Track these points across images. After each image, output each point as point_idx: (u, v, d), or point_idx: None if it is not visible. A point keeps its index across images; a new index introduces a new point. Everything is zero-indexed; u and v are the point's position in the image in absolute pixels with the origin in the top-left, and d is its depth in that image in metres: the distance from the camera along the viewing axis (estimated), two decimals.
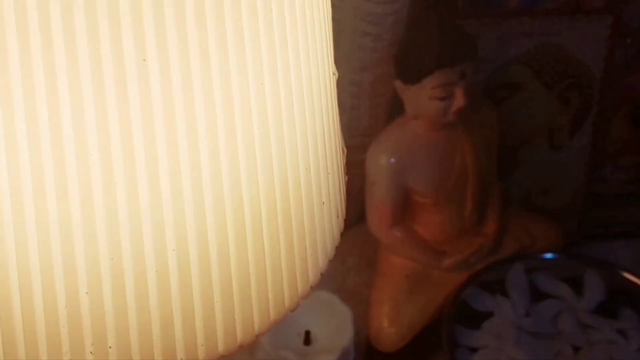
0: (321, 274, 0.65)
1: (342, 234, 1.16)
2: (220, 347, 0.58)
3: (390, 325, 1.06)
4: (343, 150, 0.71)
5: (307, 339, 1.00)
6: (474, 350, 1.05)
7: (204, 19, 0.51)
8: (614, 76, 1.14)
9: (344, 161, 0.71)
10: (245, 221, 0.57)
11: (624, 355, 1.05)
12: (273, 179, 0.58)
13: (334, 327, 1.01)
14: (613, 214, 1.24)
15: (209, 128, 0.53)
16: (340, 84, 1.02)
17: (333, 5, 0.97)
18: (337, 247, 1.15)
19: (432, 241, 1.09)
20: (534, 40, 1.09)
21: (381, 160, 1.03)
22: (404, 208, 1.07)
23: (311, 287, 0.65)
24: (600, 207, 1.24)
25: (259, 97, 0.55)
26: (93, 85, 0.49)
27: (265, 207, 0.58)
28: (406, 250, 1.08)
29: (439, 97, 0.98)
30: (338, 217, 0.66)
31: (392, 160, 1.03)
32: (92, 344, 0.53)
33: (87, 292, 0.53)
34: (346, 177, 0.71)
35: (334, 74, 0.64)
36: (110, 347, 0.54)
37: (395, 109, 1.06)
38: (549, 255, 1.11)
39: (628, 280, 1.09)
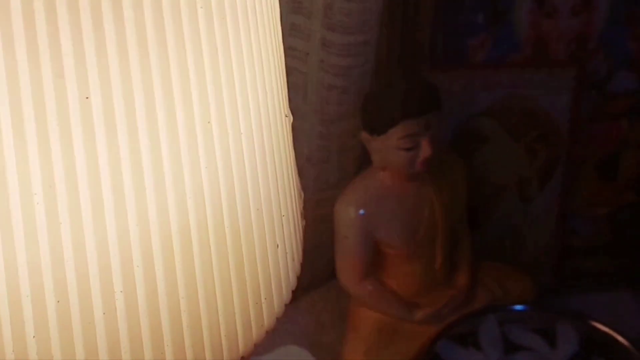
0: (277, 318, 0.65)
1: (316, 290, 1.17)
2: None
3: None
4: (300, 195, 0.71)
5: None
6: None
7: (147, 56, 0.51)
8: (581, 128, 1.15)
9: (301, 206, 0.71)
10: (194, 264, 0.57)
11: None
12: (223, 220, 0.58)
13: None
14: (586, 265, 1.24)
15: (154, 168, 0.53)
16: (309, 137, 1.03)
17: (299, 59, 0.99)
18: (312, 302, 1.15)
19: (403, 294, 1.08)
20: (499, 93, 1.10)
21: (349, 213, 1.03)
22: (374, 260, 1.06)
23: (267, 331, 0.64)
24: (573, 259, 1.24)
25: (205, 136, 0.55)
26: (36, 124, 0.49)
27: (215, 249, 0.58)
28: (377, 303, 1.07)
29: (405, 147, 0.98)
30: (294, 260, 0.66)
31: (361, 212, 1.03)
32: None
33: (34, 336, 0.53)
34: (303, 221, 0.71)
35: (286, 116, 0.64)
36: None
37: (365, 162, 1.07)
38: (521, 307, 1.10)
39: (600, 330, 1.09)
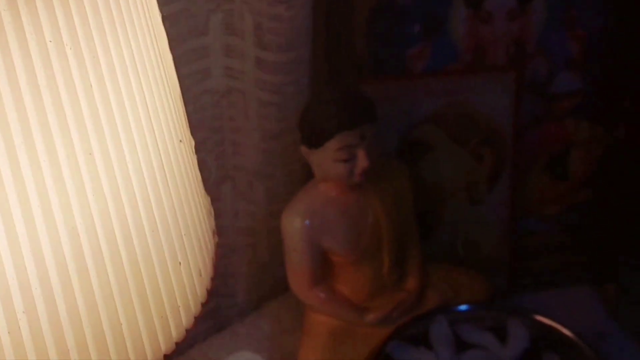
0: (186, 330, 0.69)
1: (277, 297, 1.20)
2: None
3: None
4: (210, 212, 0.75)
5: None
6: None
7: (20, 93, 0.55)
8: (525, 130, 1.18)
9: (212, 223, 0.75)
10: (92, 285, 0.61)
11: None
12: (116, 242, 0.61)
13: None
14: (541, 264, 1.27)
15: (41, 199, 0.57)
16: (253, 153, 1.07)
17: (236, 78, 1.03)
18: (274, 308, 1.18)
19: (354, 298, 1.12)
20: (441, 100, 1.13)
21: (295, 224, 1.07)
22: (323, 268, 1.10)
23: (176, 343, 0.68)
24: (528, 258, 1.27)
25: (89, 166, 0.59)
26: None
27: (112, 269, 0.62)
28: (328, 309, 1.11)
29: (342, 159, 1.02)
30: (201, 275, 0.70)
31: (306, 222, 1.06)
32: None
33: None
34: (215, 237, 0.75)
35: (180, 141, 0.68)
36: None
37: (311, 173, 1.10)
38: (470, 307, 1.13)
39: (549, 326, 1.12)
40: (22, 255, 0.57)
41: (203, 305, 0.71)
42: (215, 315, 1.25)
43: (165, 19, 0.96)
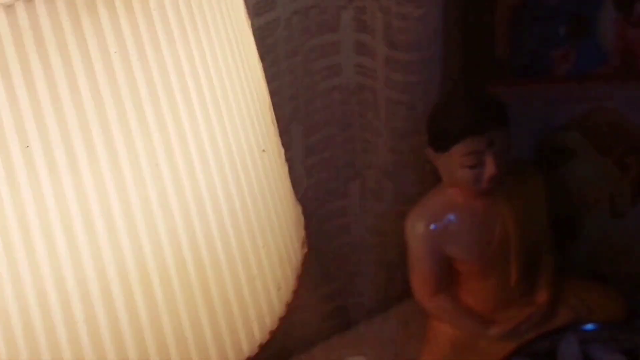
0: (260, 345, 0.67)
1: (408, 299, 1.17)
2: None
3: None
4: (300, 222, 0.73)
5: None
6: None
7: (82, 104, 0.54)
8: None
9: (300, 232, 0.72)
10: (157, 301, 0.60)
11: None
12: (183, 255, 0.60)
13: None
14: None
15: (103, 211, 0.56)
16: (383, 151, 1.04)
17: (367, 76, 1.00)
18: (403, 312, 1.16)
19: (479, 310, 1.08)
20: (584, 106, 1.08)
21: (419, 228, 1.04)
22: (447, 275, 1.06)
23: (248, 357, 0.66)
24: None
25: (155, 179, 0.57)
26: None
27: (178, 282, 0.60)
28: (450, 318, 1.07)
29: (468, 165, 0.98)
30: (279, 289, 0.68)
31: (430, 227, 1.03)
32: None
33: None
34: (305, 248, 0.73)
35: (263, 150, 0.66)
36: None
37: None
38: (602, 326, 1.08)
39: None
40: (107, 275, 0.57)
41: (281, 319, 0.69)
42: (341, 314, 1.23)
43: (294, 14, 0.95)
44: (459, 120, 0.97)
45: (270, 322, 0.68)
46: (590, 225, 1.15)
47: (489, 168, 0.98)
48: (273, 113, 0.70)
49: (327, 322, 1.23)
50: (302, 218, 0.74)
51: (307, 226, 1.10)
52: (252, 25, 0.88)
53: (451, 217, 1.03)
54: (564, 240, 1.15)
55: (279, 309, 0.68)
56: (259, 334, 0.67)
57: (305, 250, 0.73)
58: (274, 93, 0.97)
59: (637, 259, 1.16)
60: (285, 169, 0.71)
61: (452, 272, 1.07)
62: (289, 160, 1.03)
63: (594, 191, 1.13)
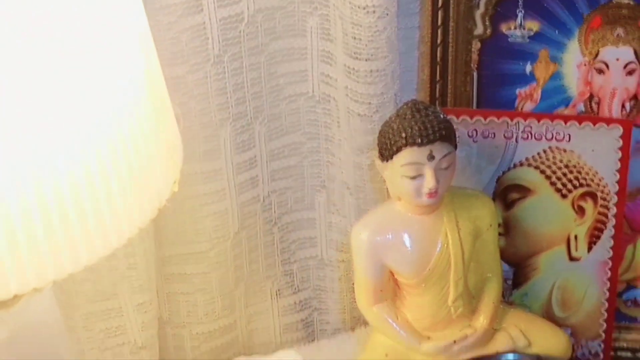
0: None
1: (360, 322, 1.21)
2: None
3: None
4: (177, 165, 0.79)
5: None
6: None
7: None
8: (638, 193, 1.13)
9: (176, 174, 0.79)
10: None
11: None
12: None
13: None
14: None
15: None
16: (346, 165, 1.10)
17: (331, 85, 1.06)
18: None
19: (417, 325, 1.11)
20: (544, 145, 1.11)
21: (361, 237, 1.08)
22: (388, 287, 1.10)
23: None
24: (630, 330, 1.20)
25: None
26: None
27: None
28: (387, 329, 1.11)
29: (408, 175, 1.02)
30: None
31: (371, 237, 1.07)
32: None
33: None
34: (176, 188, 0.79)
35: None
36: None
37: None
38: (539, 359, 1.09)
39: None
40: None
41: None
42: (305, 327, 1.28)
43: (258, 12, 1.02)
44: (403, 130, 1.02)
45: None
46: (547, 265, 1.17)
47: (428, 180, 1.02)
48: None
49: (290, 334, 1.27)
50: (179, 162, 0.80)
51: (272, 231, 1.16)
52: (215, 16, 0.96)
53: (395, 230, 1.07)
54: (521, 275, 1.17)
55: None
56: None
57: (176, 189, 0.79)
58: (236, 88, 1.05)
59: (589, 306, 1.17)
60: (166, 118, 0.77)
61: (394, 285, 1.10)
62: (253, 159, 1.10)
63: (551, 231, 1.15)
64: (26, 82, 0.66)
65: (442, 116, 1.04)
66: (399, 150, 1.02)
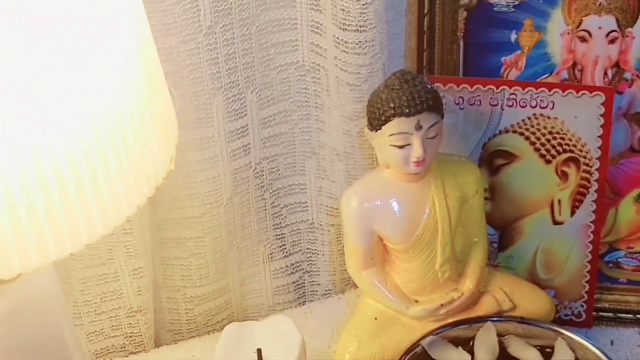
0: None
1: (350, 284, 1.24)
2: None
3: None
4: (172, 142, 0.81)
5: (260, 356, 1.08)
6: None
7: None
8: (619, 157, 1.16)
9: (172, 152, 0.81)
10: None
11: None
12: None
13: (286, 350, 1.08)
14: (625, 300, 1.24)
15: None
16: (335, 132, 1.13)
17: (321, 55, 1.09)
18: None
19: (405, 289, 1.14)
20: (529, 112, 1.14)
21: (351, 204, 1.11)
22: (377, 252, 1.13)
23: None
24: (612, 291, 1.24)
25: None
26: None
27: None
28: (376, 294, 1.14)
29: (397, 145, 1.05)
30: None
31: (361, 204, 1.10)
32: None
33: None
34: (172, 166, 0.81)
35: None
36: None
37: None
38: (523, 321, 1.13)
39: (597, 356, 1.09)
40: None
41: None
42: (297, 290, 1.31)
43: None
44: (391, 101, 1.04)
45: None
46: (531, 228, 1.20)
47: (416, 149, 1.05)
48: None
49: (281, 296, 1.30)
50: (175, 140, 0.82)
51: (263, 197, 1.19)
52: None
53: (383, 197, 1.10)
54: (507, 238, 1.20)
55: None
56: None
57: (172, 167, 0.82)
58: (228, 58, 1.07)
59: (573, 267, 1.21)
60: (162, 96, 0.80)
61: (383, 250, 1.14)
62: (244, 128, 1.13)
63: (535, 195, 1.18)
64: (23, 61, 0.67)
65: (429, 86, 1.06)
66: (387, 120, 1.05)
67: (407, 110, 1.04)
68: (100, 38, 0.72)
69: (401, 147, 1.05)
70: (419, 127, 1.05)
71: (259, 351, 1.08)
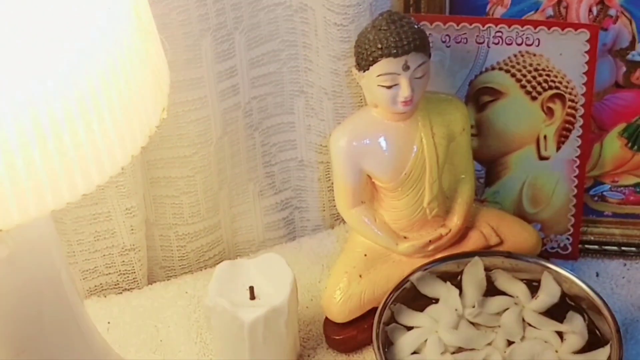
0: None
1: (339, 220, 1.26)
2: None
3: (339, 297, 1.15)
4: (164, 92, 0.82)
5: (252, 293, 1.10)
6: (409, 328, 1.11)
7: None
8: (604, 93, 1.18)
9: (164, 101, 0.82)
10: None
11: (552, 355, 1.08)
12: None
13: (277, 287, 1.10)
14: (610, 232, 1.26)
15: None
16: (323, 71, 1.14)
17: None
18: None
19: (394, 226, 1.16)
20: (514, 49, 1.15)
21: (340, 142, 1.12)
22: (366, 190, 1.15)
23: None
24: (597, 224, 1.26)
25: None
26: None
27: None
28: (365, 230, 1.16)
29: (385, 85, 1.07)
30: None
31: (349, 143, 1.12)
32: None
33: None
34: (165, 115, 0.82)
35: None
36: None
37: None
38: (509, 255, 1.15)
39: (582, 289, 1.11)
40: None
41: None
42: (287, 225, 1.33)
43: None
44: (379, 42, 1.05)
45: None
46: (517, 164, 1.22)
47: (403, 90, 1.07)
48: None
49: (272, 232, 1.33)
50: (167, 89, 0.84)
51: (253, 136, 1.20)
52: None
53: (372, 136, 1.12)
54: (493, 174, 1.22)
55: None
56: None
57: (165, 116, 0.83)
58: (216, 0, 1.08)
59: (559, 202, 1.23)
60: (153, 46, 0.81)
61: (372, 189, 1.15)
62: (233, 68, 1.14)
63: (521, 131, 1.20)
64: (15, 12, 0.68)
65: (416, 27, 1.07)
66: (375, 61, 1.06)
67: (395, 51, 1.05)
68: None
69: (389, 87, 1.07)
70: (406, 68, 1.06)
71: (252, 288, 1.10)
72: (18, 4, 0.68)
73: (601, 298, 1.10)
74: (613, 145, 1.22)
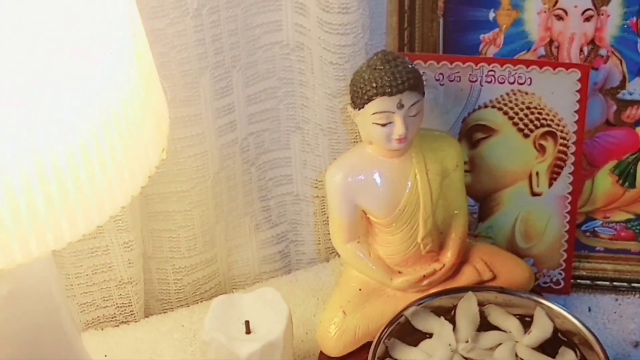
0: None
1: (334, 253, 1.28)
2: None
3: (334, 332, 1.16)
4: (164, 133, 0.84)
5: (248, 328, 1.12)
6: None
7: None
8: (595, 131, 1.20)
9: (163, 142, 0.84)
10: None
11: None
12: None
13: (273, 321, 1.12)
14: (601, 267, 1.28)
15: None
16: (319, 108, 1.16)
17: (305, 34, 1.11)
18: None
19: (388, 261, 1.18)
20: (507, 88, 1.17)
21: (336, 178, 1.14)
22: (360, 226, 1.17)
23: None
24: (589, 259, 1.28)
25: None
26: None
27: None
28: (360, 266, 1.18)
29: (379, 123, 1.09)
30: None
31: (345, 179, 1.14)
32: None
33: None
34: (164, 155, 0.84)
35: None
36: None
37: None
38: (503, 291, 1.16)
39: (574, 324, 1.13)
40: None
41: None
42: (282, 259, 1.35)
43: None
44: (373, 81, 1.07)
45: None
46: (510, 200, 1.24)
47: (397, 127, 1.08)
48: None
49: (268, 265, 1.34)
50: (166, 130, 0.85)
51: (249, 171, 1.22)
52: None
53: (366, 172, 1.14)
54: (486, 210, 1.24)
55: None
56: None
57: (164, 156, 0.85)
58: (214, 39, 1.10)
59: (551, 237, 1.25)
60: (154, 87, 0.82)
61: (367, 224, 1.17)
62: (230, 105, 1.16)
63: (514, 168, 1.22)
64: (18, 59, 0.70)
65: (410, 66, 1.09)
66: (370, 99, 1.08)
67: (389, 90, 1.07)
68: (93, 33, 0.74)
69: (384, 125, 1.09)
70: (400, 106, 1.08)
71: (247, 323, 1.12)
72: (23, 50, 0.69)
73: (593, 334, 1.11)
74: (604, 182, 1.24)
